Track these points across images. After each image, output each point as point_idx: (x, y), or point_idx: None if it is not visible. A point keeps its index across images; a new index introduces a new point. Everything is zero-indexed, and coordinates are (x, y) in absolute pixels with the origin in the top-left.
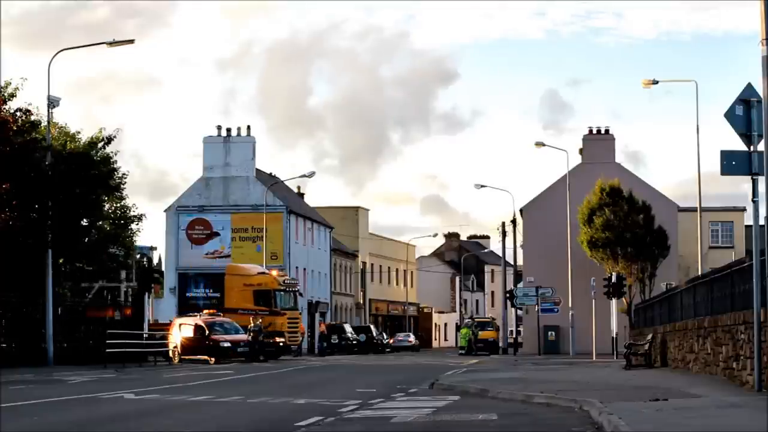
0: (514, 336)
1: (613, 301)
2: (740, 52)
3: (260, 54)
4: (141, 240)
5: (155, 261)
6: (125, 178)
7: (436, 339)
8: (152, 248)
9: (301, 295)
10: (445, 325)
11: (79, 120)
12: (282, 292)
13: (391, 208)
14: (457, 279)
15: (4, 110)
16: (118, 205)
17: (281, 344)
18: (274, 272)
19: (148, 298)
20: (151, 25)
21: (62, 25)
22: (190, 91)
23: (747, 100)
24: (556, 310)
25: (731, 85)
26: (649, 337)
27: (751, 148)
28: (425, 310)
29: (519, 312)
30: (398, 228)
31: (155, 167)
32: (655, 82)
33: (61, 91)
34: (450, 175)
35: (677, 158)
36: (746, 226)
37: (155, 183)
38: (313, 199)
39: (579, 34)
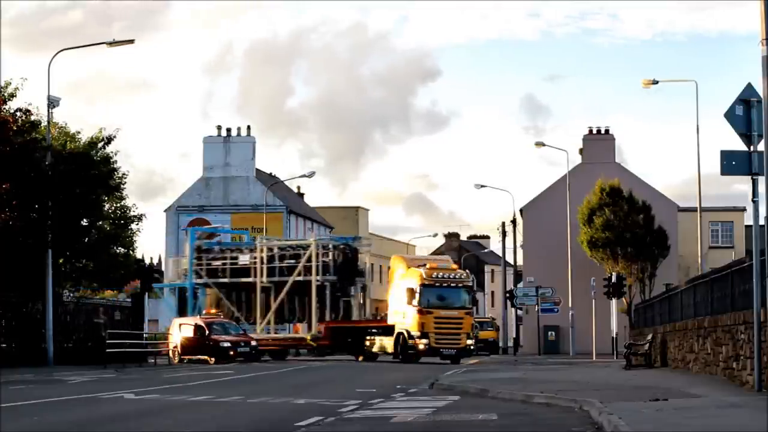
0: (515, 336)
1: (613, 301)
2: (737, 52)
3: (248, 54)
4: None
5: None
6: (125, 178)
7: None
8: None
9: None
10: None
11: (77, 120)
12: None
13: (382, 209)
14: None
15: (4, 110)
16: (118, 205)
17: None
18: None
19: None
20: (142, 26)
21: (61, 26)
22: (183, 93)
23: (747, 100)
24: (556, 310)
25: (730, 85)
26: (649, 337)
27: (751, 148)
28: None
29: (519, 312)
30: (392, 228)
31: (150, 168)
32: (655, 82)
33: (60, 91)
34: (445, 175)
35: (677, 158)
36: (746, 226)
37: (150, 183)
38: (312, 199)
39: (573, 34)
